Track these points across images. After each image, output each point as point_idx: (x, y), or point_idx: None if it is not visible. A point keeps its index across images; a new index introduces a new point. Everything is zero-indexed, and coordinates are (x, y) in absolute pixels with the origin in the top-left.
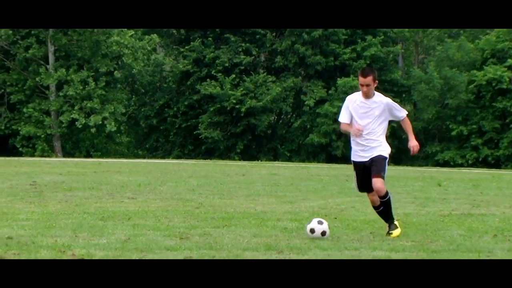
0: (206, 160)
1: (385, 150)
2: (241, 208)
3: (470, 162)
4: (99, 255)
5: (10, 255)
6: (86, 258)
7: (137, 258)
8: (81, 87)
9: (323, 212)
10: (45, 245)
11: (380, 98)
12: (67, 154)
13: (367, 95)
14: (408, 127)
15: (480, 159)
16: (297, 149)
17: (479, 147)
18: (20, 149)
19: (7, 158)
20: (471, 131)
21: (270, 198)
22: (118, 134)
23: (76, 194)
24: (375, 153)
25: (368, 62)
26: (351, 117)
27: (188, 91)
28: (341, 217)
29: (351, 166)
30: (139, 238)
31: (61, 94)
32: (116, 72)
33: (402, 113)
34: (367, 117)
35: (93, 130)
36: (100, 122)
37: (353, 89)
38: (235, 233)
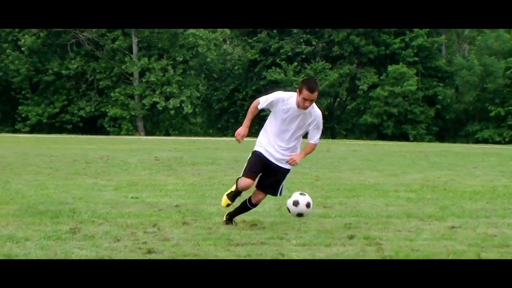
0: None
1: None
2: (356, 181)
3: (506, 139)
4: (266, 221)
5: (189, 220)
6: (253, 223)
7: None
8: (161, 74)
9: (429, 184)
10: (214, 212)
11: (314, 111)
12: (148, 133)
13: (305, 109)
14: (309, 150)
15: None
16: (351, 128)
17: None
18: (108, 128)
19: (108, 137)
20: (508, 112)
21: (373, 172)
22: (193, 115)
23: (201, 168)
24: (282, 163)
25: (415, 51)
26: (268, 110)
27: (255, 77)
28: (449, 189)
29: (412, 145)
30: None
31: (143, 80)
32: (191, 62)
33: (317, 137)
34: (292, 124)
35: (172, 112)
36: (178, 105)
37: (402, 75)
38: (368, 203)
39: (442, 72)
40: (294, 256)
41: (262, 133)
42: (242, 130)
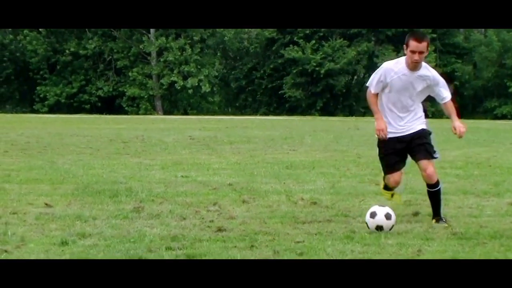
0: (293, 116)
1: (425, 123)
2: None
3: None
4: (324, 199)
5: (247, 199)
6: (313, 201)
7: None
8: (179, 53)
9: (472, 160)
10: (270, 190)
11: (426, 72)
12: (166, 112)
13: (416, 66)
14: (452, 110)
15: None
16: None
17: None
18: (126, 108)
19: (134, 116)
20: None
21: None
22: (211, 94)
23: (239, 147)
24: (416, 127)
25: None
26: (384, 89)
27: (273, 55)
28: (494, 165)
29: (438, 121)
30: (341, 185)
31: (161, 59)
32: (208, 41)
33: (446, 93)
34: (407, 93)
35: (190, 91)
36: (196, 84)
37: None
38: (419, 180)
39: (460, 48)
40: (363, 232)
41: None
42: (380, 124)
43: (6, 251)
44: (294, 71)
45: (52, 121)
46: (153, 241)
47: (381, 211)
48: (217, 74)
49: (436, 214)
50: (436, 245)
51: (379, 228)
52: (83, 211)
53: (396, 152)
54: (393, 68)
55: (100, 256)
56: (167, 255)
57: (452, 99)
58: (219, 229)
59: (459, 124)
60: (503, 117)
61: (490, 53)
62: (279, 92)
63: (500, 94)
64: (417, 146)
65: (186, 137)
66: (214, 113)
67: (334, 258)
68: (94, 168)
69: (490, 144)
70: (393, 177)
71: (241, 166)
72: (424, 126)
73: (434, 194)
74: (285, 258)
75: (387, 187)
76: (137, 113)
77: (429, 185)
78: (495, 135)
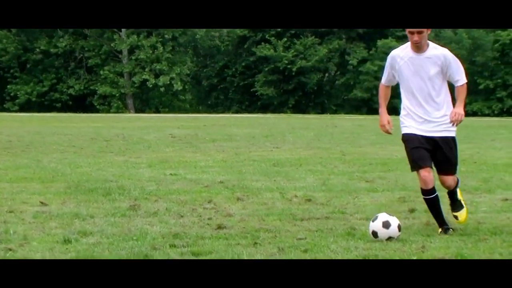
0: (265, 114)
1: (451, 125)
2: (383, 155)
3: (496, 112)
4: (318, 196)
5: (241, 196)
6: (307, 198)
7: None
8: (150, 51)
9: (465, 156)
10: (262, 188)
11: (435, 51)
12: (138, 110)
13: (419, 47)
14: (458, 96)
15: (505, 109)
16: (342, 104)
17: (504, 98)
18: (98, 106)
19: (109, 114)
20: (496, 85)
21: (394, 146)
22: (183, 93)
23: (222, 145)
24: (444, 132)
25: None
26: (394, 78)
27: (245, 53)
28: (479, 161)
29: None
30: (332, 182)
31: (133, 57)
32: (179, 39)
33: (458, 77)
34: (419, 78)
35: (162, 89)
36: (168, 82)
37: (392, 49)
38: (407, 177)
39: None
40: (363, 229)
41: (401, 111)
42: (382, 119)
43: (10, 249)
44: (266, 69)
45: (28, 120)
46: (156, 238)
47: (394, 221)
48: (188, 72)
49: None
50: (438, 242)
51: (390, 238)
52: (79, 209)
53: (424, 147)
54: (399, 54)
55: (106, 254)
56: (172, 253)
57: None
58: (219, 227)
59: (457, 110)
60: (474, 114)
61: (460, 50)
62: (251, 90)
63: (470, 91)
64: (442, 156)
65: (167, 135)
66: (185, 111)
67: (339, 255)
68: (81, 166)
69: (471, 141)
70: (423, 173)
71: (227, 164)
72: (453, 134)
73: (451, 194)
74: (290, 255)
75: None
76: (108, 112)
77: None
78: (474, 131)
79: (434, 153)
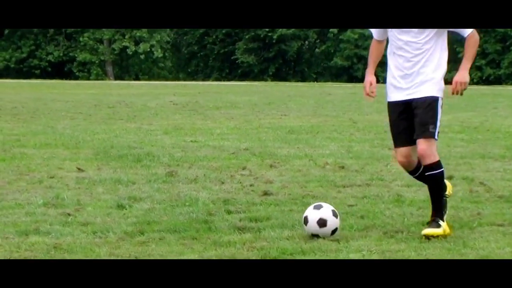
0: (248, 82)
1: (436, 84)
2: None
3: (475, 80)
4: (349, 163)
5: (273, 163)
6: (339, 165)
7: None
8: None
9: (466, 125)
10: (291, 155)
11: None
12: (117, 77)
13: None
14: (468, 49)
15: (484, 78)
16: (322, 72)
17: (483, 67)
18: (77, 73)
19: (97, 82)
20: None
21: None
22: (163, 60)
23: (229, 112)
24: (422, 90)
25: None
26: (385, 32)
27: None
28: (491, 129)
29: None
30: (356, 149)
31: None
32: None
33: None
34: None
35: (142, 56)
36: (148, 49)
37: None
38: None
39: None
40: (410, 196)
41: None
42: (365, 80)
43: (69, 214)
44: (247, 37)
45: (18, 86)
46: (207, 204)
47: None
48: (169, 39)
49: (434, 210)
50: (491, 208)
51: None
52: (118, 175)
53: (405, 118)
54: None
55: (165, 219)
56: (230, 218)
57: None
58: (265, 193)
59: (459, 78)
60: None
61: None
62: (231, 58)
63: (449, 59)
64: (415, 117)
65: (168, 102)
66: (165, 78)
67: (397, 221)
68: (98, 133)
69: (474, 109)
70: (399, 153)
71: (243, 131)
72: (432, 92)
73: (426, 179)
74: (349, 221)
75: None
76: (88, 79)
77: (423, 167)
78: (471, 100)
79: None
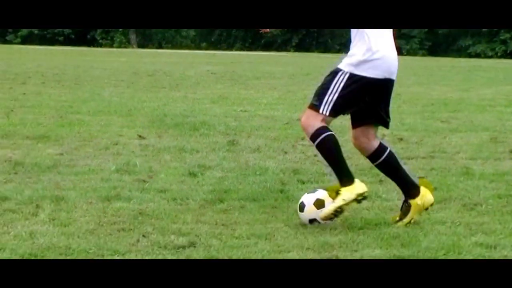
0: (269, 52)
1: (350, 58)
2: (439, 96)
3: (499, 54)
4: (406, 135)
5: None
6: (398, 137)
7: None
8: None
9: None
10: (346, 126)
11: None
12: (140, 45)
13: None
14: None
15: (508, 52)
16: (346, 43)
17: (508, 41)
18: (100, 41)
19: (127, 50)
20: None
21: (439, 86)
22: (186, 29)
23: (269, 82)
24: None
25: None
26: None
27: None
28: None
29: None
30: (408, 121)
31: None
32: None
33: None
34: None
35: None
36: None
37: None
38: (481, 117)
39: None
40: (478, 169)
41: None
42: None
43: (144, 180)
44: None
45: (48, 53)
46: (277, 174)
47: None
48: None
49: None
50: None
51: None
52: (180, 143)
53: None
54: None
55: (240, 187)
56: (305, 188)
57: None
58: None
59: None
60: (477, 55)
61: None
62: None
63: (474, 32)
64: None
65: (205, 72)
66: (187, 47)
67: (473, 194)
68: (146, 101)
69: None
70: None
71: (289, 102)
72: (340, 65)
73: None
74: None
75: None
76: (111, 46)
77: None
78: (500, 73)
79: None
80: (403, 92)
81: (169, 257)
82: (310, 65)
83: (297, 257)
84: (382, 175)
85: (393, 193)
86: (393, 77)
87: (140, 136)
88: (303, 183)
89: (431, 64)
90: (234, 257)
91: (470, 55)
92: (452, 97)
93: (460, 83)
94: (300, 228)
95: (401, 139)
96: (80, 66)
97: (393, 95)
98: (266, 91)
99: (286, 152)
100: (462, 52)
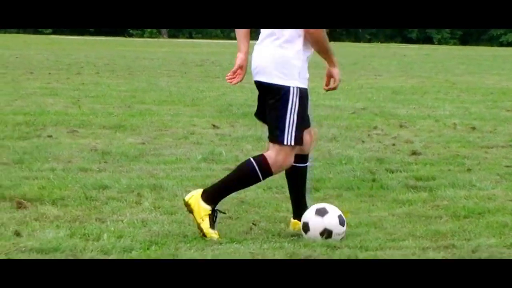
0: None
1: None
2: (493, 85)
3: None
4: (477, 124)
5: (400, 123)
6: (470, 126)
7: None
8: None
9: None
10: (413, 115)
11: None
12: (171, 36)
13: None
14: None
15: None
16: (375, 33)
17: None
18: (131, 31)
19: (162, 40)
20: None
21: (494, 76)
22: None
23: (316, 71)
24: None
25: None
26: None
27: None
28: None
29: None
30: (473, 110)
31: None
32: None
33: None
34: None
35: None
36: None
37: None
38: None
39: None
40: None
41: None
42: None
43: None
44: None
45: (86, 43)
46: (362, 163)
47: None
48: None
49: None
50: None
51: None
52: (256, 133)
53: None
54: None
55: (331, 177)
56: (395, 177)
57: None
58: (414, 153)
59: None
60: (509, 44)
61: None
62: None
63: None
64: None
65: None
66: (217, 37)
67: None
68: (204, 91)
69: None
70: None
71: (346, 91)
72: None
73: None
74: None
75: None
76: (142, 36)
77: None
78: None
79: None
80: (457, 81)
81: (286, 245)
82: (354, 55)
83: (413, 246)
84: (468, 163)
85: (487, 181)
86: (257, 78)
87: (214, 125)
88: (392, 172)
89: (469, 53)
90: (351, 245)
91: (502, 44)
92: (508, 86)
93: (510, 72)
94: (405, 217)
95: (474, 128)
96: (126, 57)
97: (448, 84)
98: (319, 80)
99: (363, 141)
100: (494, 41)
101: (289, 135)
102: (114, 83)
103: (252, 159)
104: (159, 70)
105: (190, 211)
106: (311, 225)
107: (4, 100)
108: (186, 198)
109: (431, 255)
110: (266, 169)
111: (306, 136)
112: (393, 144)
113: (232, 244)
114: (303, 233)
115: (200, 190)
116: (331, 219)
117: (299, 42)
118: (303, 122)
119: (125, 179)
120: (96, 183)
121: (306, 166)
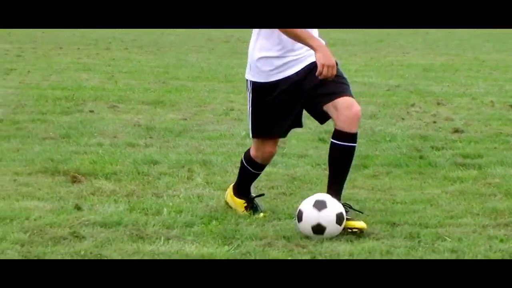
0: None
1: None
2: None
3: None
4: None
5: (437, 100)
6: (508, 104)
7: None
8: None
9: None
10: (449, 93)
11: None
12: None
13: None
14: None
15: None
16: None
17: None
18: None
19: None
20: None
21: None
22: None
23: (347, 49)
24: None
25: None
26: None
27: None
28: None
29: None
30: (508, 88)
31: None
32: None
33: None
34: None
35: None
36: None
37: None
38: None
39: None
40: None
41: None
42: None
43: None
44: None
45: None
46: (406, 140)
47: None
48: None
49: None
50: None
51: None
52: None
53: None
54: None
55: (377, 154)
56: (441, 155)
57: None
58: (456, 130)
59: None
60: None
61: None
62: None
63: None
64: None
65: None
66: None
67: None
68: (234, 67)
69: None
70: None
71: (377, 68)
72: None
73: None
74: None
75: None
76: None
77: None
78: None
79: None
80: (486, 59)
81: None
82: (372, 31)
83: (472, 223)
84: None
85: None
86: None
87: None
88: (438, 149)
89: (492, 31)
90: (410, 222)
91: None
92: None
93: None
94: (459, 195)
95: (511, 105)
96: (150, 33)
97: (477, 62)
98: (348, 57)
99: (403, 119)
100: None
101: (250, 128)
102: (144, 59)
103: (243, 153)
104: (186, 46)
105: (231, 207)
106: (304, 216)
107: (40, 75)
108: (225, 198)
109: (492, 232)
110: (250, 161)
111: (267, 147)
112: (434, 122)
113: (291, 220)
114: (296, 221)
115: (231, 186)
116: (328, 215)
117: (267, 35)
118: (258, 119)
119: (174, 154)
120: (146, 158)
121: None
